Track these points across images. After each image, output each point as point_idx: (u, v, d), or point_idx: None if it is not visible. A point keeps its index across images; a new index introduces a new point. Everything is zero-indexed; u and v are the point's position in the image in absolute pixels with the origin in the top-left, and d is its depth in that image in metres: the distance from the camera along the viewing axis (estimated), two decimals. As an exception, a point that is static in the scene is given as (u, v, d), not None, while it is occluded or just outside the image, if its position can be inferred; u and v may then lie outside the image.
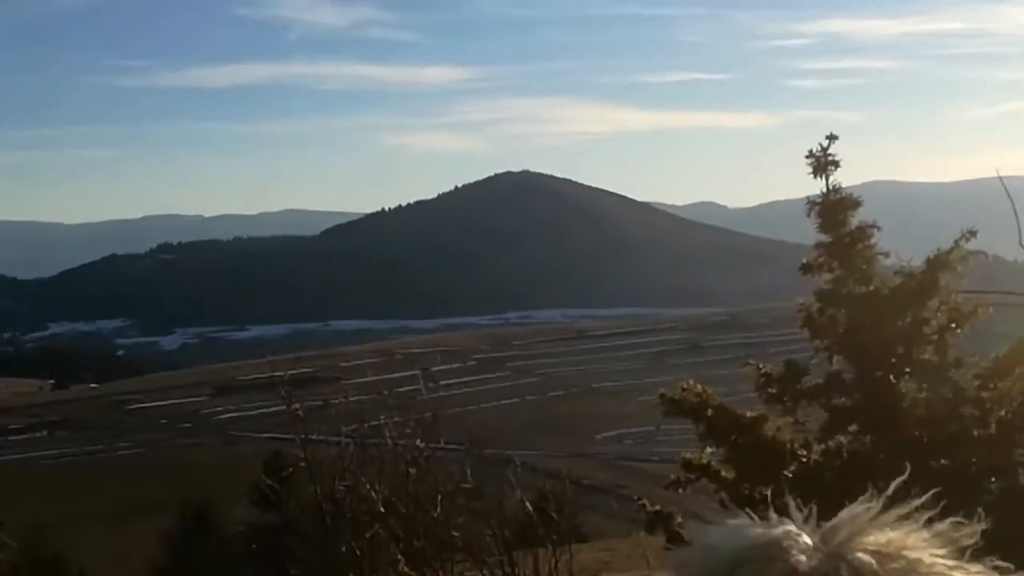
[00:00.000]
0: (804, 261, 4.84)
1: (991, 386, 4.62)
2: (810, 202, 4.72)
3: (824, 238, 4.76)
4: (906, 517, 1.64)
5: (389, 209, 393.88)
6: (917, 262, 4.85)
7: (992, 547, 1.65)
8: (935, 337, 4.69)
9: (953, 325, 4.70)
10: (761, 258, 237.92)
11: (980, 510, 1.69)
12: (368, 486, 7.28)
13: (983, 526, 1.66)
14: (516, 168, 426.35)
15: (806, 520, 1.64)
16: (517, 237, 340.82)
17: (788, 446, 4.64)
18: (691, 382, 4.61)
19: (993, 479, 4.51)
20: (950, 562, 1.59)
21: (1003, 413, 4.56)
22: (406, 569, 6.74)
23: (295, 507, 10.89)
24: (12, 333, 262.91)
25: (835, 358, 4.78)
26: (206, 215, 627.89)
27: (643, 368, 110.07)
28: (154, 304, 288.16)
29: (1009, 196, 4.87)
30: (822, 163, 4.67)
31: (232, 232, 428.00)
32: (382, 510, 7.13)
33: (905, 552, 1.58)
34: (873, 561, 1.54)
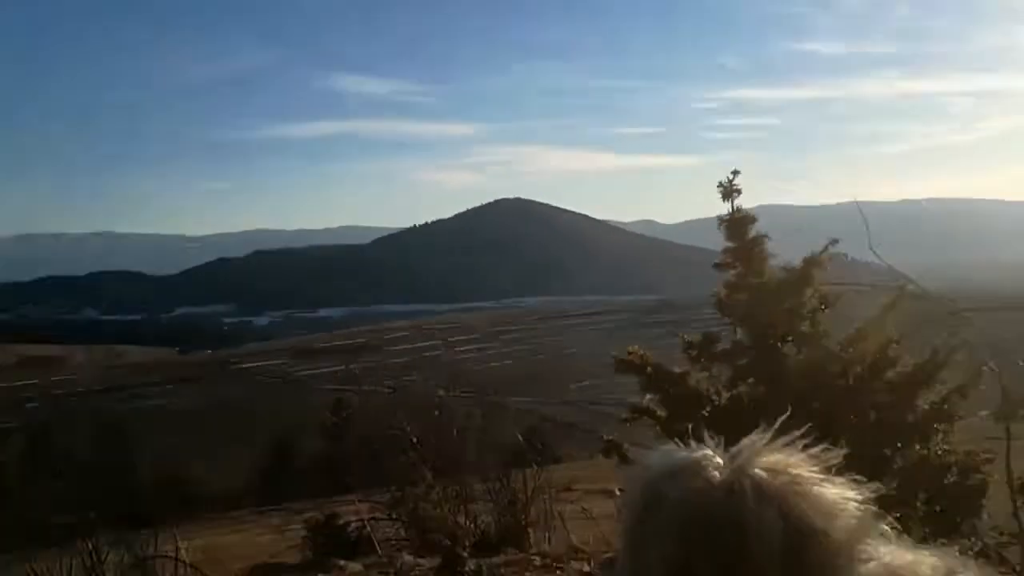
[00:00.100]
0: (716, 261, 4.67)
1: (850, 350, 4.35)
2: (721, 219, 4.60)
3: (730, 245, 4.61)
4: (788, 444, 1.58)
5: (418, 225, 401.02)
6: (796, 262, 4.58)
7: (850, 465, 1.61)
8: (809, 315, 4.47)
9: (822, 307, 4.48)
10: (687, 260, 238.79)
11: (842, 439, 1.86)
12: (404, 423, 7.40)
13: (844, 451, 1.56)
14: (512, 196, 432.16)
15: (717, 447, 1.59)
16: (512, 245, 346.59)
17: (705, 394, 4.48)
18: (635, 348, 4.64)
19: (853, 417, 4.18)
20: (821, 476, 1.56)
21: (858, 369, 4.28)
22: (432, 482, 6.93)
23: (352, 438, 10.96)
24: (149, 314, 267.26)
25: (738, 330, 4.59)
26: (288, 229, 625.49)
27: (602, 339, 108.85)
28: (250, 293, 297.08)
29: (862, 215, 4.76)
30: (728, 191, 4.54)
31: (306, 241, 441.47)
32: (414, 440, 7.13)
33: (789, 468, 1.55)
34: (766, 475, 1.54)
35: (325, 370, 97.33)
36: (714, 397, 4.45)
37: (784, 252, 4.74)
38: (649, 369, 4.49)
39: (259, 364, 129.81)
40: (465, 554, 4.30)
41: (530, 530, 6.53)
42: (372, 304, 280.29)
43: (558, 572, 5.22)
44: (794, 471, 1.47)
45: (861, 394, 4.26)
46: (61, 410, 77.33)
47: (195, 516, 15.96)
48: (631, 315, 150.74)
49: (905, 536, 1.47)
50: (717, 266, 4.70)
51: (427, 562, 5.48)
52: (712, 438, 1.54)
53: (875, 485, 1.46)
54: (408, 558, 5.84)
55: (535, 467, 7.13)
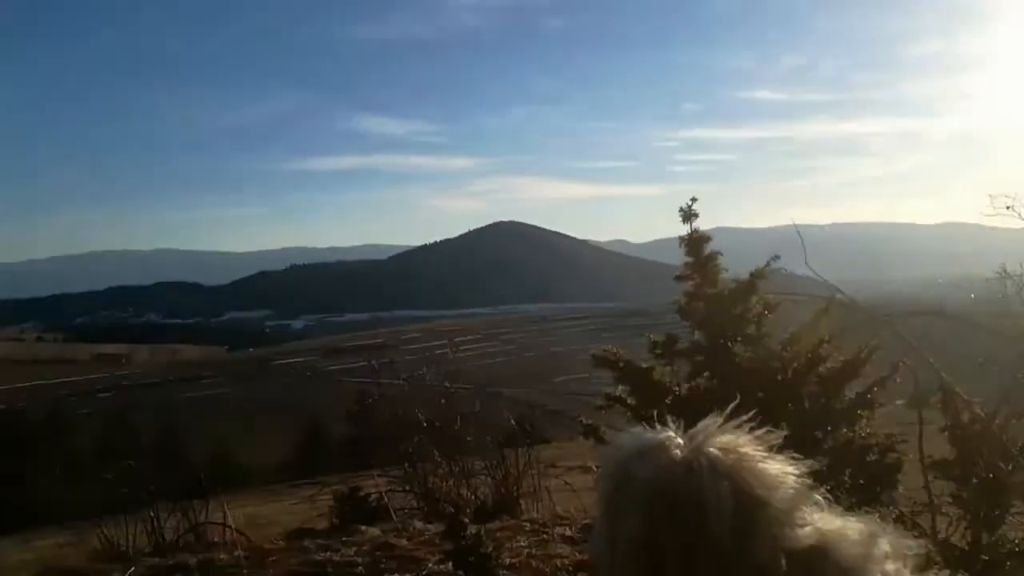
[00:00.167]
0: (678, 274, 4.62)
1: (788, 349, 4.31)
2: (681, 239, 4.55)
3: (689, 260, 4.54)
4: (737, 428, 1.64)
5: (428, 244, 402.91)
6: (743, 276, 4.55)
7: (788, 446, 1.69)
8: (755, 320, 4.43)
9: (765, 312, 4.44)
10: (653, 273, 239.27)
11: (781, 424, 1.72)
12: (416, 410, 7.34)
13: (783, 433, 1.65)
14: (507, 219, 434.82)
15: (678, 430, 1.64)
16: (507, 261, 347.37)
17: (668, 385, 4.40)
18: (610, 347, 4.60)
19: (790, 405, 4.16)
20: (764, 454, 1.60)
21: (795, 365, 4.24)
22: (440, 459, 6.89)
23: (373, 424, 10.92)
24: (202, 319, 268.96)
25: (696, 332, 4.55)
26: (319, 247, 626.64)
27: (582, 339, 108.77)
28: (287, 301, 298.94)
29: (799, 236, 4.78)
30: (688, 215, 4.49)
31: (334, 256, 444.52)
32: (425, 425, 7.04)
33: (738, 448, 1.60)
34: (719, 453, 1.58)
35: (350, 365, 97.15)
36: (675, 388, 4.41)
37: (734, 267, 4.70)
38: (621, 364, 4.46)
39: (295, 361, 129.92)
40: (466, 520, 4.28)
41: (521, 501, 6.50)
42: (390, 310, 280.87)
43: (544, 535, 5.19)
44: (742, 450, 1.56)
45: (797, 386, 4.22)
46: (128, 399, 77.01)
47: (240, 489, 15.86)
48: (607, 320, 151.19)
49: (834, 505, 1.61)
50: (678, 278, 4.66)
51: (434, 527, 5.45)
52: (674, 422, 1.63)
53: (809, 462, 1.59)
54: (419, 524, 5.82)
55: (525, 447, 6.99)
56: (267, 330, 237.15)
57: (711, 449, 1.56)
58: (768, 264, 4.54)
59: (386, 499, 6.62)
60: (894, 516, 3.16)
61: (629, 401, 4.41)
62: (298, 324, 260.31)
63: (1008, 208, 2.92)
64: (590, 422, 4.50)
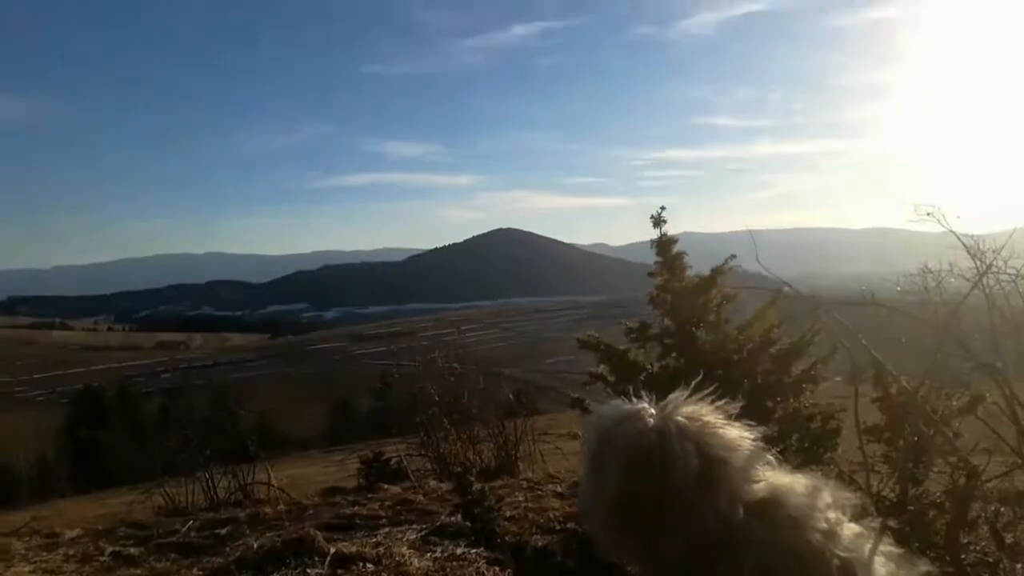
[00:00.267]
0: (650, 271, 4.54)
1: (743, 334, 4.25)
2: (653, 241, 4.48)
3: (659, 259, 4.49)
4: (701, 400, 1.68)
5: (438, 247, 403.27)
6: (705, 272, 4.47)
7: (744, 415, 1.72)
8: (715, 309, 4.37)
9: (724, 302, 4.38)
10: (629, 270, 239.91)
11: (738, 396, 1.73)
12: (429, 387, 7.31)
13: (741, 404, 1.69)
14: (505, 227, 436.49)
15: (651, 402, 1.68)
16: (505, 262, 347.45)
17: (642, 364, 4.35)
18: (593, 333, 4.56)
19: (745, 380, 4.13)
20: (724, 421, 1.64)
21: (750, 347, 4.20)
22: (450, 427, 6.86)
23: (393, 398, 10.90)
24: (248, 311, 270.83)
25: (665, 320, 4.47)
26: (346, 250, 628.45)
27: (569, 327, 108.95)
28: (320, 295, 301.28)
29: (752, 238, 4.56)
30: (658, 221, 4.42)
31: (359, 259, 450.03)
32: (437, 399, 7.00)
33: (702, 416, 1.64)
34: (686, 420, 1.61)
35: (373, 350, 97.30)
36: (648, 367, 4.37)
37: (697, 265, 4.68)
38: (602, 347, 4.43)
39: (327, 346, 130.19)
40: (472, 479, 4.27)
41: (519, 463, 6.48)
42: (405, 303, 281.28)
43: (539, 492, 5.19)
44: (705, 418, 1.64)
45: (752, 364, 4.19)
46: (186, 378, 76.93)
47: (281, 454, 15.86)
48: (590, 310, 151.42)
49: (784, 464, 1.69)
50: (650, 274, 4.60)
51: (446, 485, 5.44)
52: (647, 396, 1.70)
53: (762, 429, 1.68)
54: (433, 482, 5.81)
55: (522, 418, 6.96)
56: (303, 320, 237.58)
57: (679, 417, 1.61)
58: (726, 262, 4.53)
59: (405, 462, 6.60)
60: (834, 474, 3.16)
61: (609, 378, 4.39)
62: (330, 315, 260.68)
63: (928, 215, 2.91)
64: (576, 396, 4.48)
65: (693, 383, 1.75)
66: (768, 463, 1.70)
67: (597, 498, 1.65)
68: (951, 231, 2.86)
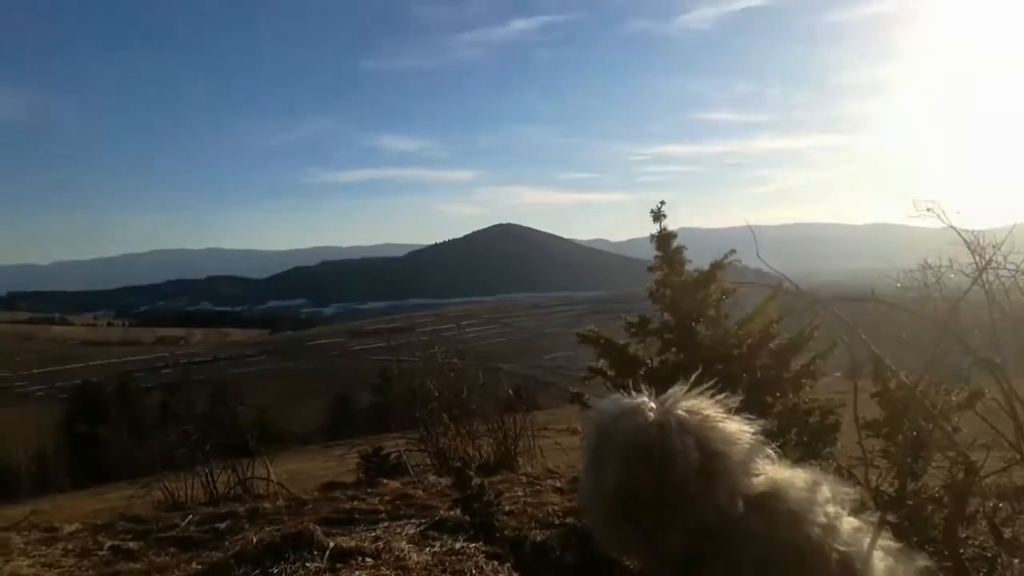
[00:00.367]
0: (649, 266, 4.50)
1: (743, 329, 4.23)
2: (652, 236, 4.45)
3: (659, 254, 4.46)
4: (701, 394, 1.69)
5: (437, 243, 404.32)
6: (704, 266, 4.40)
7: (744, 409, 1.72)
8: (714, 304, 4.34)
9: (724, 297, 4.34)
10: (629, 266, 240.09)
11: (738, 391, 1.74)
12: (429, 382, 7.30)
13: (740, 398, 1.70)
14: (504, 222, 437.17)
15: (651, 396, 1.69)
16: (504, 257, 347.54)
17: (641, 359, 4.32)
18: (592, 327, 4.54)
19: (745, 375, 4.11)
20: (724, 415, 1.65)
21: (749, 342, 4.18)
22: (449, 423, 6.84)
23: (393, 393, 10.84)
24: (247, 306, 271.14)
25: (665, 314, 4.45)
26: (345, 245, 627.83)
27: (568, 322, 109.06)
28: (319, 291, 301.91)
29: (752, 233, 4.58)
30: (658, 215, 4.40)
31: (358, 254, 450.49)
32: (436, 394, 6.98)
33: (701, 410, 1.65)
34: (686, 414, 1.62)
35: (372, 345, 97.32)
36: (648, 361, 4.36)
37: (696, 260, 4.66)
38: (602, 342, 4.42)
39: (326, 341, 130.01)
40: (472, 474, 4.27)
41: (518, 458, 6.47)
42: (405, 298, 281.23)
43: (538, 487, 5.18)
44: (705, 412, 1.64)
45: (751, 359, 4.18)
46: (185, 373, 76.95)
47: (281, 449, 15.87)
48: (589, 305, 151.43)
49: (783, 459, 1.69)
50: (650, 269, 4.57)
51: (445, 480, 5.43)
52: (647, 390, 1.71)
53: (762, 423, 1.67)
54: (432, 477, 5.80)
55: (521, 413, 6.93)
56: (302, 316, 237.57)
57: (679, 411, 1.62)
58: (725, 257, 4.51)
59: (404, 457, 6.59)
60: (833, 468, 3.16)
61: (609, 373, 4.38)
62: (328, 311, 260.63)
63: (928, 210, 2.90)
64: (576, 391, 4.47)
65: (693, 377, 1.75)
66: (768, 457, 1.71)
67: (597, 493, 1.67)
68: (951, 227, 2.86)
